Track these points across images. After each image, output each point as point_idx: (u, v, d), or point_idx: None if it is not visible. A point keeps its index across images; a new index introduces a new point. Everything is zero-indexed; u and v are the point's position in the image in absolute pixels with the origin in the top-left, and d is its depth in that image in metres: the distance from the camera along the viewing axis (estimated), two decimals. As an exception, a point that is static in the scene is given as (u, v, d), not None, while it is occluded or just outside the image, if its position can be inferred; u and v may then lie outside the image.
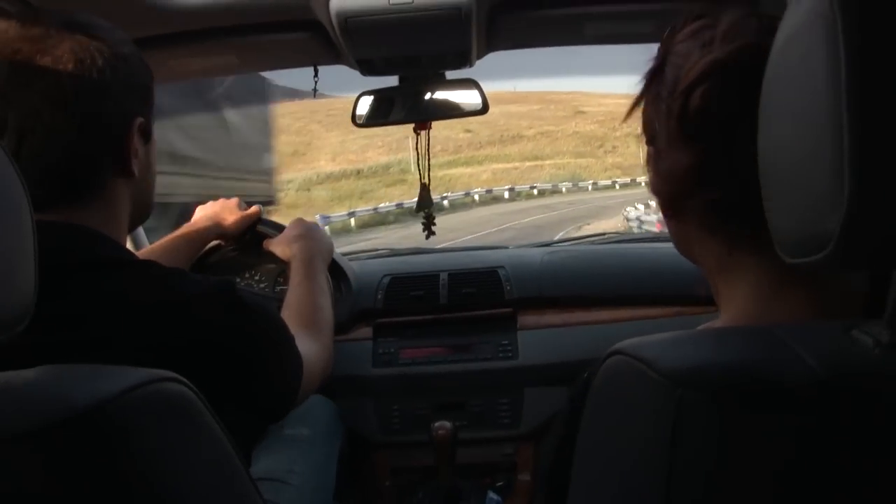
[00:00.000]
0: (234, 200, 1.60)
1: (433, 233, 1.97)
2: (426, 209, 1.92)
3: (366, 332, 1.87)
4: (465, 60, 1.65)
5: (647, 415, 0.54)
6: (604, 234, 2.49)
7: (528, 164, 42.46)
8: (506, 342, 1.81)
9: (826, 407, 0.51)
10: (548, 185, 42.40)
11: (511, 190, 39.67)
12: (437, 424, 1.59)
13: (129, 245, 1.30)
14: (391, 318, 1.88)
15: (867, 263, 0.54)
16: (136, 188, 0.99)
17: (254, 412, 0.95)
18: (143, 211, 1.04)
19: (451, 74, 1.74)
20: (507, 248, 2.32)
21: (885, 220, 0.47)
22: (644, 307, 1.81)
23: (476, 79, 1.73)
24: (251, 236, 1.58)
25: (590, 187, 42.85)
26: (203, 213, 1.57)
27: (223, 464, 0.70)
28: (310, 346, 1.12)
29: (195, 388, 0.67)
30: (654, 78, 0.75)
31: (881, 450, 0.52)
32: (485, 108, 1.72)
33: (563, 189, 41.30)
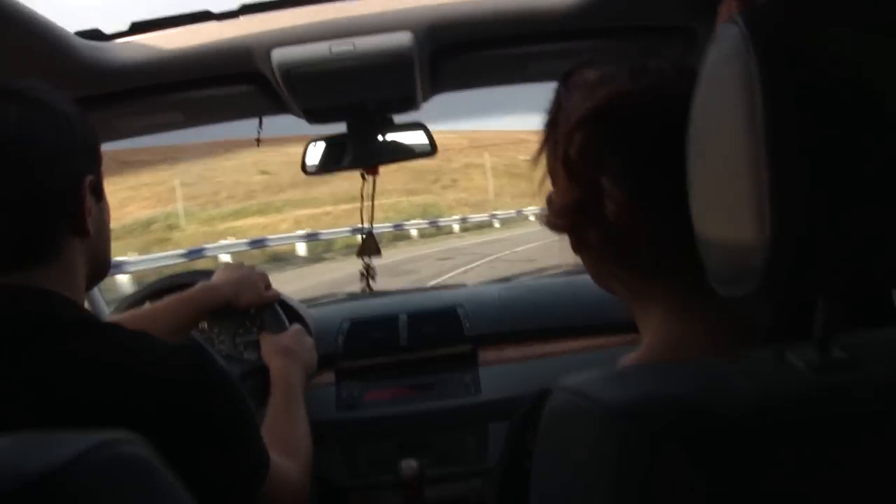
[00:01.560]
0: (261, 276, 1.56)
1: (371, 284, 1.99)
2: (368, 256, 1.96)
3: (328, 377, 1.86)
4: (411, 104, 1.67)
5: (591, 451, 0.55)
6: (559, 265, 2.52)
7: (343, 206, 31.35)
8: (468, 379, 1.82)
9: (765, 433, 0.53)
10: (387, 227, 22.95)
11: (312, 237, 20.60)
12: (403, 464, 1.58)
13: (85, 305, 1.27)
14: (353, 361, 1.88)
15: (794, 294, 0.56)
16: (91, 247, 0.98)
17: (215, 480, 0.91)
18: (99, 269, 1.03)
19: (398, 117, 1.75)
20: (465, 285, 2.34)
21: (804, 256, 0.50)
22: (602, 336, 1.83)
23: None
24: (253, 312, 1.56)
25: (456, 227, 25.85)
26: (225, 280, 1.49)
27: None
28: (285, 465, 1.08)
29: (152, 447, 0.66)
30: (550, 127, 0.82)
31: (818, 473, 0.53)
32: (433, 150, 1.75)
33: (414, 232, 24.09)
